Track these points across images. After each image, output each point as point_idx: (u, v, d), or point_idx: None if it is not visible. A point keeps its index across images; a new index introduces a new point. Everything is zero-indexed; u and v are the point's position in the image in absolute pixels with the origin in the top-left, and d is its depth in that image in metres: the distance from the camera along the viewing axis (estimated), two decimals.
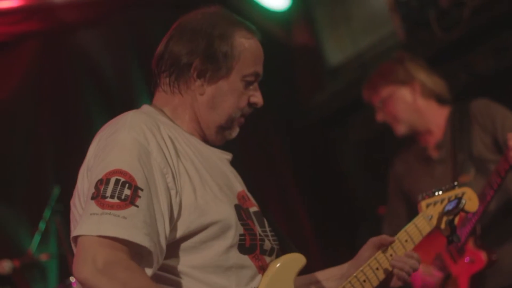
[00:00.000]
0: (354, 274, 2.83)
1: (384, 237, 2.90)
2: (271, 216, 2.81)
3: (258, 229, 2.69)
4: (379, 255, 2.88)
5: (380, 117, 4.74)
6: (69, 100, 6.27)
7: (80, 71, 6.37)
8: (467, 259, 4.38)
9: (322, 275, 2.97)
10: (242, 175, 2.81)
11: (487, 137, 4.47)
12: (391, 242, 2.90)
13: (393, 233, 3.01)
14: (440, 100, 4.68)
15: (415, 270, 2.86)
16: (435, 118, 4.64)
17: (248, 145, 6.82)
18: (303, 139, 6.94)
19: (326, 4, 7.08)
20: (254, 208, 2.75)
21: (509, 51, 5.94)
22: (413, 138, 4.74)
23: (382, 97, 4.68)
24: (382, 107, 4.70)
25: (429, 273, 4.50)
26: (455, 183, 3.15)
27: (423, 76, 4.64)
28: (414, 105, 4.63)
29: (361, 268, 2.84)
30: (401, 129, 4.66)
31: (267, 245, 2.70)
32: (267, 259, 2.69)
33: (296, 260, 2.71)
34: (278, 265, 2.66)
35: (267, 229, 2.75)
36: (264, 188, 6.71)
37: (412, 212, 3.46)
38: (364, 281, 2.83)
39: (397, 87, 4.64)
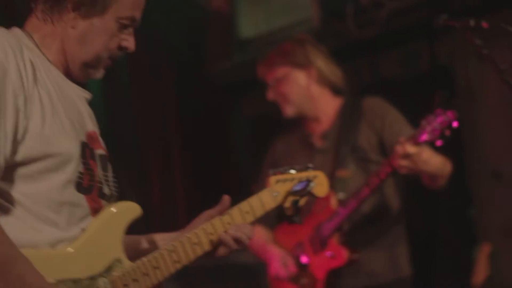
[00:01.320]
0: (187, 235, 2.76)
1: (218, 209, 2.85)
2: (120, 165, 2.76)
3: (99, 172, 2.64)
4: (216, 220, 2.81)
5: (271, 95, 4.66)
6: None
7: None
8: (328, 253, 4.38)
9: (156, 236, 2.90)
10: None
11: (373, 136, 4.45)
12: (226, 209, 2.86)
13: None
14: (335, 90, 4.62)
15: (240, 240, 2.79)
16: (326, 107, 4.58)
17: (143, 100, 6.74)
18: (199, 103, 6.87)
19: None
20: (100, 151, 2.69)
21: (417, 60, 5.98)
22: (300, 122, 4.68)
23: (276, 76, 4.59)
24: (275, 86, 4.63)
25: (285, 265, 4.48)
26: (310, 165, 3.09)
27: (321, 63, 4.55)
28: (307, 90, 4.54)
29: (195, 230, 2.78)
30: (289, 111, 4.57)
31: (106, 189, 2.66)
32: (105, 203, 2.64)
33: (131, 209, 2.65)
34: (111, 210, 2.61)
35: (109, 174, 2.71)
36: (148, 144, 6.64)
37: None
38: (195, 244, 2.76)
39: (293, 69, 4.55)
